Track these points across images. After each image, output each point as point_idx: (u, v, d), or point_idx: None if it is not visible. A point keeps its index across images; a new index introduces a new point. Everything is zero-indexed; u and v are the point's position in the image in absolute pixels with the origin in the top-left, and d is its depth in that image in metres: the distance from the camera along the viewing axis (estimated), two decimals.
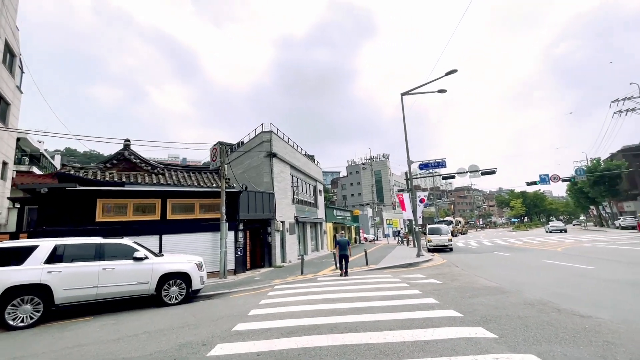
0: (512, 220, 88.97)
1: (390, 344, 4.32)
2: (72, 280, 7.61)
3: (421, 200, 19.24)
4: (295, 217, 20.21)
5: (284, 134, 20.19)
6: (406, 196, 20.07)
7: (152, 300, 8.67)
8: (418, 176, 30.68)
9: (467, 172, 26.75)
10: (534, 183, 34.88)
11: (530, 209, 72.72)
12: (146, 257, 8.57)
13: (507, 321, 5.09)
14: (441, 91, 19.89)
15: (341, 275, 12.20)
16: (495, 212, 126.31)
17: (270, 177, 17.28)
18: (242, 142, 20.56)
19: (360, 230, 42.35)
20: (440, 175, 29.23)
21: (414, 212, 18.67)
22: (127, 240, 8.89)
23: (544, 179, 34.33)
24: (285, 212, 18.67)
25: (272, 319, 6.20)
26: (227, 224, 13.45)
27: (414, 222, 19.32)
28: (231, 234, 14.31)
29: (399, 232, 33.03)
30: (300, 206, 22.14)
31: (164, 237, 13.13)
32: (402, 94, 19.68)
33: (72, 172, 12.80)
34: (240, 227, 14.63)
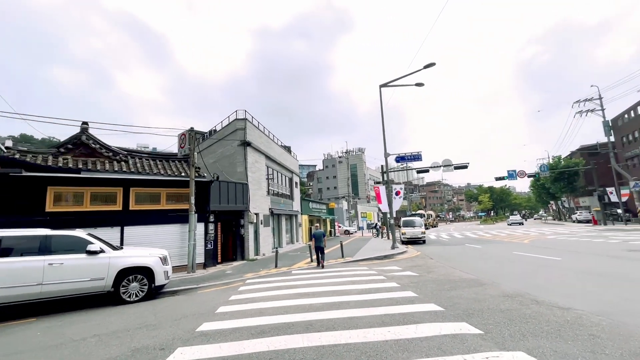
0: (479, 214, 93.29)
1: (372, 344, 3.97)
2: (10, 277, 6.65)
3: (397, 193, 19.28)
4: (270, 209, 19.59)
5: (259, 123, 19.41)
6: (382, 189, 20.03)
7: (109, 298, 7.85)
8: (394, 169, 30.95)
9: (440, 166, 27.21)
10: (502, 178, 36.35)
11: (497, 204, 76.36)
12: (102, 251, 7.71)
13: (490, 315, 4.90)
14: (419, 84, 19.88)
15: (317, 267, 12.10)
16: (463, 206, 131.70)
17: (244, 167, 16.51)
18: (215, 130, 19.52)
19: (336, 223, 42.37)
20: (415, 169, 29.65)
21: (390, 204, 18.64)
22: (79, 232, 7.95)
23: (512, 175, 35.83)
24: (259, 203, 18.00)
25: (242, 316, 5.69)
26: (196, 215, 12.63)
27: (389, 215, 19.33)
28: (201, 226, 13.50)
29: (375, 225, 33.26)
30: (275, 198, 21.52)
31: (127, 229, 12.11)
32: (381, 86, 19.48)
33: (17, 156, 11.41)
34: (211, 218, 13.84)
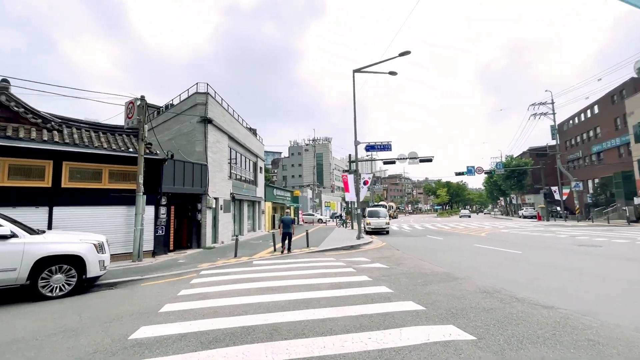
0: (436, 207, 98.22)
1: (351, 356, 3.26)
2: None
3: (365, 183, 18.93)
4: (231, 193, 18.27)
5: (223, 100, 17.80)
6: (351, 177, 19.58)
7: (28, 293, 6.39)
8: (361, 159, 30.77)
9: (407, 158, 27.41)
10: (462, 173, 37.91)
11: (453, 198, 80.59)
12: (14, 235, 6.20)
13: (475, 316, 4.43)
14: (392, 73, 19.46)
15: (283, 253, 12.03)
16: (421, 199, 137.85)
17: (203, 147, 15.00)
18: (172, 104, 17.58)
19: (300, 211, 41.70)
20: (382, 159, 29.69)
21: (357, 194, 18.25)
22: None
23: (470, 170, 37.49)
24: (220, 187, 16.63)
25: (191, 317, 4.72)
26: (145, 196, 11.11)
27: (356, 204, 18.97)
28: (150, 209, 11.99)
29: (340, 215, 33.07)
30: (237, 182, 20.16)
31: (57, 210, 10.30)
32: (354, 71, 18.79)
33: None
34: (163, 201, 12.35)
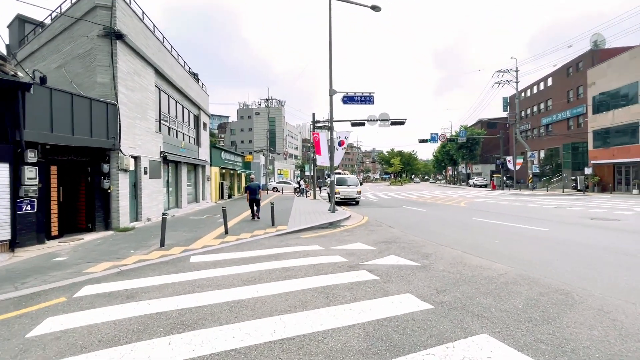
0: (384, 176, 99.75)
1: None
2: None
3: (340, 143, 15.42)
4: (162, 152, 13.31)
5: (146, 15, 12.18)
6: (323, 136, 15.87)
7: None
8: (320, 122, 26.92)
9: (378, 120, 24.21)
10: (426, 140, 36.39)
11: (404, 167, 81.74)
12: None
13: None
14: (374, 7, 15.46)
15: (253, 219, 11.64)
16: (371, 168, 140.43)
17: (110, 76, 9.74)
18: (62, 14, 11.49)
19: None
20: (350, 121, 26.19)
21: (332, 156, 14.61)
22: None
23: (434, 138, 36.10)
24: (143, 142, 11.65)
25: None
26: None
27: (331, 169, 15.38)
28: (5, 170, 6.99)
29: (299, 183, 29.45)
30: (172, 139, 15.09)
31: None
32: None
33: None
34: (31, 156, 7.32)
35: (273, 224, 10.16)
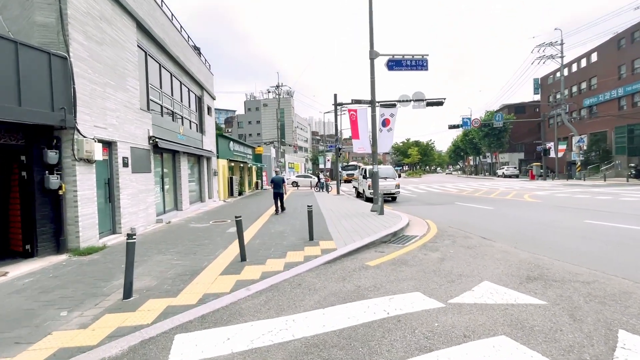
0: (396, 168, 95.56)
1: None
2: None
3: (384, 122, 11.86)
4: (151, 137, 9.97)
5: None
6: (363, 113, 12.31)
7: None
8: (363, 102, 23.28)
9: (411, 100, 20.40)
10: (457, 126, 32.55)
11: (422, 158, 77.53)
12: None
13: None
14: None
15: (277, 213, 11.22)
16: (382, 160, 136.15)
17: (57, 14, 6.34)
18: None
19: (264, 173, 33.79)
20: (381, 103, 22.47)
21: (375, 140, 11.03)
22: None
23: (466, 123, 32.15)
24: (120, 121, 8.28)
25: None
26: None
27: (373, 158, 11.79)
28: None
29: (318, 176, 25.99)
30: (167, 121, 11.73)
31: None
32: None
33: None
34: None
35: (311, 238, 6.70)
